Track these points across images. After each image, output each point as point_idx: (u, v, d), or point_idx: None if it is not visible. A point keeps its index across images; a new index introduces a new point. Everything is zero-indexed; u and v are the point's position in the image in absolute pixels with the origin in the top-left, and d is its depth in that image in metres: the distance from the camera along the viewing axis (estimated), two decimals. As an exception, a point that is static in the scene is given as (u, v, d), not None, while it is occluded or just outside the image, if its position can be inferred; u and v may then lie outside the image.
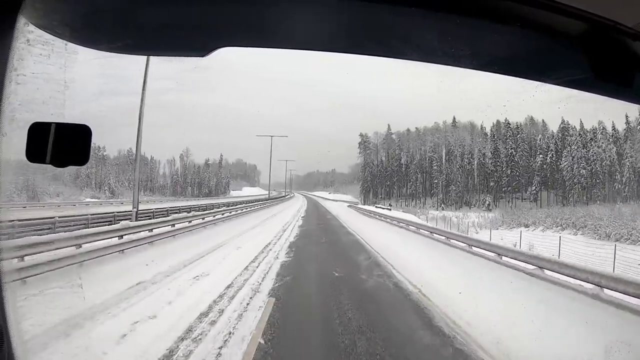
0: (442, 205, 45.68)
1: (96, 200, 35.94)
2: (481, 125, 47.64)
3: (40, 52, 1.20)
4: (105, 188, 43.91)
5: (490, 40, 1.21)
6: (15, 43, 1.03)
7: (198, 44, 1.20)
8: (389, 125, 53.62)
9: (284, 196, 54.84)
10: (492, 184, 45.25)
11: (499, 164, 45.29)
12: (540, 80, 1.31)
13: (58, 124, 1.11)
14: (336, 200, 50.95)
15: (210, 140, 56.74)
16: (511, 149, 45.19)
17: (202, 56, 1.20)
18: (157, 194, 51.89)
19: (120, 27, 1.13)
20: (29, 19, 1.03)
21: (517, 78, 1.35)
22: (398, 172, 51.60)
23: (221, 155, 53.96)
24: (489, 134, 47.35)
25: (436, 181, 47.65)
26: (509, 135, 46.52)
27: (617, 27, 1.08)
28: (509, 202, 44.30)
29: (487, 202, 43.22)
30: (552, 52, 1.24)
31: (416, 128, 51.20)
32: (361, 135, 54.84)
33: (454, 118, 48.33)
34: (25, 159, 1.12)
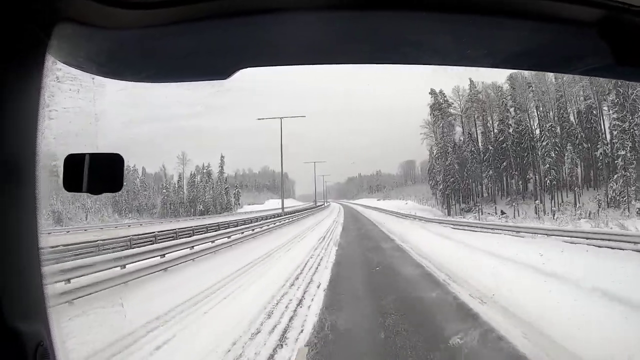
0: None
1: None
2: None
3: (69, 88, 1.26)
4: (48, 214, 31.03)
5: (507, 36, 1.19)
6: (45, 81, 1.09)
7: (220, 67, 1.26)
8: (470, 80, 32.48)
9: (312, 208, 38.67)
10: None
11: None
12: (560, 72, 1.33)
13: (92, 154, 1.15)
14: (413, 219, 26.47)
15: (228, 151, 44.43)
16: None
17: (225, 79, 1.26)
18: (145, 215, 39.25)
19: (143, 58, 1.22)
20: (56, 57, 1.10)
21: (537, 72, 1.55)
22: (507, 150, 29.02)
23: (222, 157, 38.69)
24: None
25: (623, 152, 23.22)
26: None
27: (632, 10, 1.06)
28: None
29: None
30: (570, 43, 1.22)
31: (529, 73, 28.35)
32: (432, 93, 33.05)
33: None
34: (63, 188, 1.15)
